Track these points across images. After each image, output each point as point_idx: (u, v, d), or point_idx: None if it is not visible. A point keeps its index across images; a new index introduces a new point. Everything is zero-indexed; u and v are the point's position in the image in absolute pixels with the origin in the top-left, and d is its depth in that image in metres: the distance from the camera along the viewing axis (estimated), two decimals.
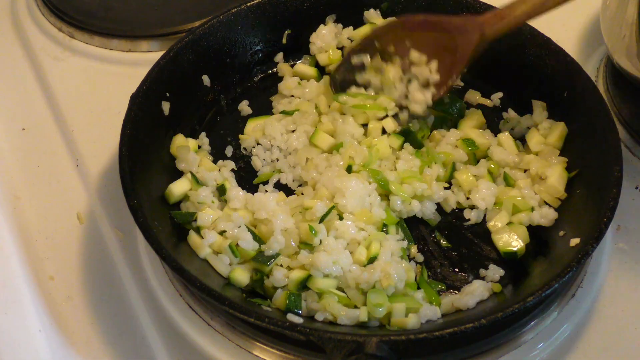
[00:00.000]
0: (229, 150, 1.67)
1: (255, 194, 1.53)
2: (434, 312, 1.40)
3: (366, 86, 1.69)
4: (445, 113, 1.67)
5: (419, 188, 1.53)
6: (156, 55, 1.65)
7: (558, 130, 1.60)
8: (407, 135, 1.62)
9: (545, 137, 1.62)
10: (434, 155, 1.59)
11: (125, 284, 1.52)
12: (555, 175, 1.54)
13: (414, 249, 1.52)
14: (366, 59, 1.68)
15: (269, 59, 1.81)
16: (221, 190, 1.55)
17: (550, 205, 1.54)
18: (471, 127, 1.66)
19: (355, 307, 1.40)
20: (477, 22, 1.56)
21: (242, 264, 1.47)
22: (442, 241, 1.54)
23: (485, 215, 1.56)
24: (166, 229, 1.47)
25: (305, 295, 1.41)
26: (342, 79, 1.70)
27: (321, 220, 1.47)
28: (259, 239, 1.47)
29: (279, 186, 1.61)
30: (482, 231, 1.55)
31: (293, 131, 1.67)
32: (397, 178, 1.55)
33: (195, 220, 1.49)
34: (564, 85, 1.62)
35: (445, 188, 1.58)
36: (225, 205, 1.53)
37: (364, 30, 1.78)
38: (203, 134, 1.69)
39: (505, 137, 1.64)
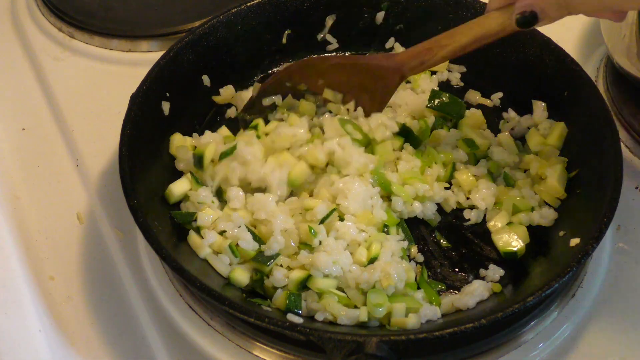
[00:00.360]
0: None
1: (255, 194, 1.52)
2: (434, 312, 1.40)
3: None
4: (445, 113, 1.67)
5: (421, 189, 1.53)
6: (156, 55, 1.65)
7: (558, 130, 1.60)
8: (406, 135, 1.62)
9: (545, 137, 1.62)
10: (435, 156, 1.59)
11: (125, 284, 1.52)
12: (555, 175, 1.54)
13: (414, 249, 1.52)
14: (278, 99, 1.65)
15: (269, 59, 1.81)
16: (219, 192, 1.55)
17: (550, 205, 1.54)
18: (471, 127, 1.66)
19: (355, 307, 1.40)
20: (395, 65, 1.55)
21: (242, 264, 1.46)
22: (442, 241, 1.54)
23: (485, 215, 1.56)
24: (166, 229, 1.47)
25: (305, 295, 1.41)
26: (251, 119, 1.65)
27: (322, 221, 1.47)
28: (259, 239, 1.47)
29: None
30: (482, 231, 1.55)
31: None
32: (399, 179, 1.55)
33: (195, 220, 1.49)
34: (564, 85, 1.62)
35: (445, 188, 1.58)
36: (225, 206, 1.53)
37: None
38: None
39: (505, 137, 1.64)
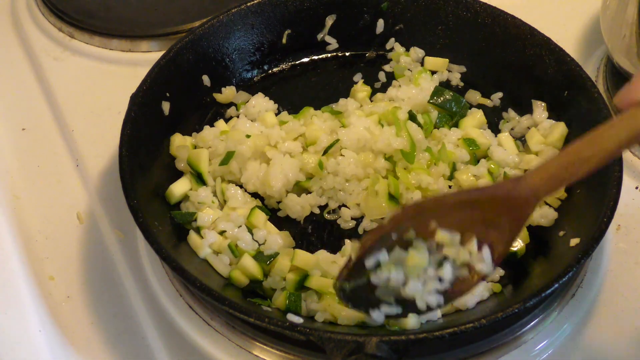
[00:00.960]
0: None
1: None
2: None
3: (385, 285, 1.28)
4: (448, 110, 1.67)
5: (425, 180, 1.53)
6: (156, 55, 1.65)
7: (558, 130, 1.60)
8: (413, 119, 1.62)
9: (545, 137, 1.62)
10: (443, 154, 1.58)
11: (125, 284, 1.52)
12: None
13: None
14: (383, 256, 1.26)
15: (269, 59, 1.81)
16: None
17: (550, 205, 1.54)
18: (472, 126, 1.66)
19: None
20: (528, 192, 1.22)
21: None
22: None
23: None
24: (166, 229, 1.47)
25: (305, 296, 1.41)
26: (353, 287, 1.28)
27: (325, 152, 1.52)
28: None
29: None
30: None
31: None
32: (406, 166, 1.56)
33: (195, 220, 1.49)
34: (564, 85, 1.62)
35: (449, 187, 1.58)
36: (225, 205, 1.53)
37: None
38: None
39: (505, 137, 1.64)
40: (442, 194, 1.40)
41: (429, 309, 1.28)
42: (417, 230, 1.25)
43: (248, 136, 1.58)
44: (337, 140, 1.57)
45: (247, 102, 1.72)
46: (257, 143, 1.58)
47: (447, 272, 1.25)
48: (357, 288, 1.28)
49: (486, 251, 1.25)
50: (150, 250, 1.38)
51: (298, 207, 1.54)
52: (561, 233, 1.48)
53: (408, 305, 1.28)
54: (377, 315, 1.29)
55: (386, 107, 1.63)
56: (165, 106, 1.62)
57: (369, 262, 1.26)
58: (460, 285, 1.28)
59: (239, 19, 1.73)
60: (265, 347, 1.42)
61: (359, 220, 1.55)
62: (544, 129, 1.63)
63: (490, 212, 1.24)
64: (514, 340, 1.43)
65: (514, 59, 1.69)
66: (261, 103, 1.71)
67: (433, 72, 1.78)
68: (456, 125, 1.67)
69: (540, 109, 1.66)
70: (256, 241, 1.48)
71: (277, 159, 1.55)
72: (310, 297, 1.41)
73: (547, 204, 1.55)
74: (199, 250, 1.46)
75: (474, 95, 1.75)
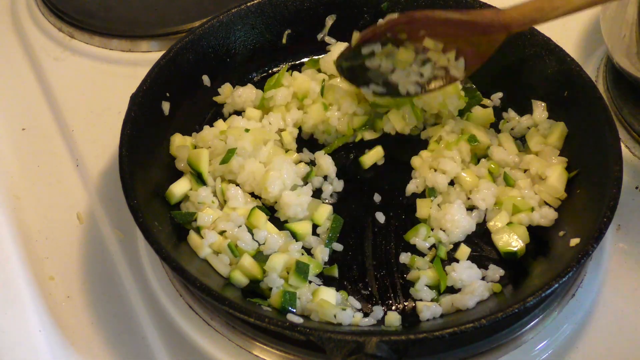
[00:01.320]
0: None
1: None
2: (434, 312, 1.40)
3: (376, 69, 1.62)
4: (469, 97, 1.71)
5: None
6: (156, 55, 1.65)
7: (558, 130, 1.60)
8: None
9: (545, 137, 1.62)
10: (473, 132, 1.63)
11: (125, 284, 1.52)
12: (555, 175, 1.54)
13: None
14: (377, 47, 1.59)
15: (268, 59, 1.81)
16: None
17: (550, 205, 1.54)
18: (479, 122, 1.67)
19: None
20: (504, 22, 1.49)
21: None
22: None
23: (485, 216, 1.56)
24: (166, 229, 1.47)
25: (299, 294, 1.41)
26: (349, 65, 1.63)
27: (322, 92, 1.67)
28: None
29: None
30: (482, 231, 1.54)
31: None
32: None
33: (195, 220, 1.49)
34: (564, 85, 1.62)
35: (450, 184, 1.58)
36: (225, 205, 1.53)
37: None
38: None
39: (505, 137, 1.64)
40: (433, 11, 1.59)
41: (408, 94, 1.60)
42: (408, 34, 1.56)
43: (247, 130, 1.58)
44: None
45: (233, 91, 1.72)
46: (257, 136, 1.58)
47: (427, 69, 1.58)
48: (353, 67, 1.62)
49: (461, 61, 1.56)
50: (150, 250, 1.38)
51: (297, 207, 1.53)
52: (561, 233, 1.48)
53: (392, 89, 1.61)
54: (366, 91, 1.63)
55: None
56: (165, 106, 1.62)
57: (365, 50, 1.60)
58: (435, 84, 1.60)
59: (239, 19, 1.73)
60: (265, 347, 1.42)
61: None
62: (544, 129, 1.63)
63: (470, 32, 1.52)
64: (514, 340, 1.43)
65: (514, 59, 1.69)
66: (247, 93, 1.71)
67: None
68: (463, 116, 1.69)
69: (540, 109, 1.66)
70: (256, 241, 1.48)
71: (276, 163, 1.55)
72: (305, 295, 1.41)
73: (547, 204, 1.55)
74: (199, 250, 1.46)
75: None
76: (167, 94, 1.62)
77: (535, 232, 1.52)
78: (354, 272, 1.48)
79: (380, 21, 1.68)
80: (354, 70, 1.63)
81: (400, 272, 1.48)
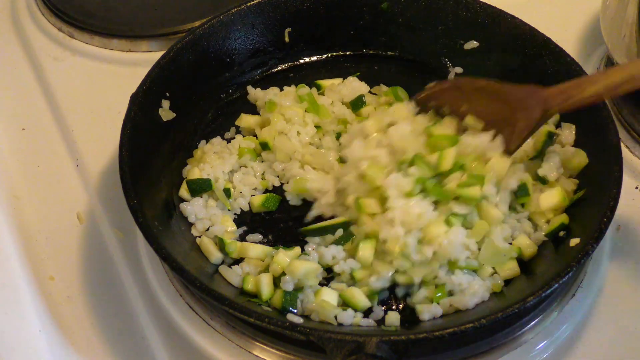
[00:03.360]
0: None
1: None
2: (434, 312, 1.40)
3: None
4: None
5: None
6: (156, 55, 1.65)
7: (578, 160, 1.54)
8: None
9: (563, 162, 1.54)
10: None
11: (125, 284, 1.53)
12: (554, 202, 1.49)
13: None
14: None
15: (269, 59, 1.81)
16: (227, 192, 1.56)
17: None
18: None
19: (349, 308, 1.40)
20: (540, 98, 1.46)
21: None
22: None
23: None
24: (166, 229, 1.47)
25: (301, 296, 1.41)
26: None
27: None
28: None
29: None
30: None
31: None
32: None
33: (210, 187, 1.53)
34: None
35: None
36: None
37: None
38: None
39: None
40: (476, 79, 1.58)
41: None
42: (451, 109, 1.55)
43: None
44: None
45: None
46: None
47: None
48: None
49: (499, 141, 1.49)
50: (150, 250, 1.38)
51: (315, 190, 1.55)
52: (561, 233, 1.48)
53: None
54: None
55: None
56: (166, 106, 1.62)
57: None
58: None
59: (239, 19, 1.73)
60: (265, 347, 1.42)
61: None
62: (564, 153, 1.56)
63: (507, 109, 1.49)
64: (514, 340, 1.43)
65: (514, 59, 1.69)
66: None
67: None
68: None
69: (567, 132, 1.60)
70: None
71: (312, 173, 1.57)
72: (306, 296, 1.41)
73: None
74: (210, 256, 1.48)
75: None
76: (167, 94, 1.62)
77: None
78: None
79: (430, 85, 1.62)
80: None
81: None
